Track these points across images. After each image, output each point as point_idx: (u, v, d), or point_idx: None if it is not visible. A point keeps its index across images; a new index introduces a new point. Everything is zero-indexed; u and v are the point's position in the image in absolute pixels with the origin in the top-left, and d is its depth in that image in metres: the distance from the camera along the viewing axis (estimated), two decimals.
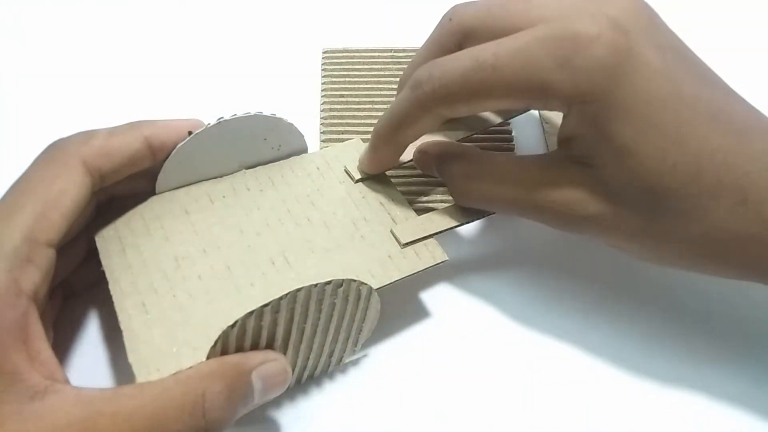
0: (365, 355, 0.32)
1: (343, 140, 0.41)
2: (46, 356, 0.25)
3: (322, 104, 0.43)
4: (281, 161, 0.35)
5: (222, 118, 0.31)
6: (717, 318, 0.34)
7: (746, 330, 0.34)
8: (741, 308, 0.35)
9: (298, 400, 0.31)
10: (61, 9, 0.49)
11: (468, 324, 0.34)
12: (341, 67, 0.46)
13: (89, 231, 0.31)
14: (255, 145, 0.33)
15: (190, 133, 0.31)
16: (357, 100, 0.44)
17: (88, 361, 0.31)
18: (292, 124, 0.34)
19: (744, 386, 0.32)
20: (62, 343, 0.32)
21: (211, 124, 0.31)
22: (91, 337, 0.32)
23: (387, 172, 0.35)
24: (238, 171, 0.34)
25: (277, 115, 0.33)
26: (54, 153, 0.29)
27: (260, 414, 0.30)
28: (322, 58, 0.46)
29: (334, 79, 0.45)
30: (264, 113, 0.32)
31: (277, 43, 0.48)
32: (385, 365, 0.32)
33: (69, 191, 0.28)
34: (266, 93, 0.45)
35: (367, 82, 0.45)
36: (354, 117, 0.43)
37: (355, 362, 0.32)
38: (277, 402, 0.30)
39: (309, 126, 0.42)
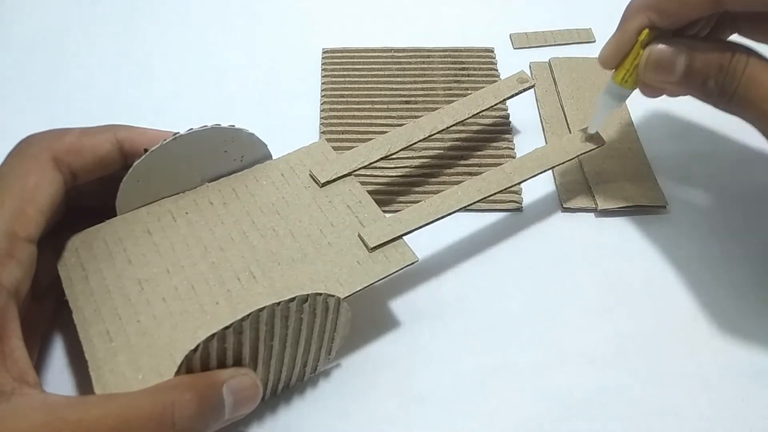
0: (338, 365, 0.32)
1: (342, 139, 0.41)
2: (19, 355, 0.25)
3: (322, 104, 0.43)
4: (245, 171, 0.34)
5: (178, 133, 0.31)
6: (715, 318, 0.35)
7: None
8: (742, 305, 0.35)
9: (267, 417, 0.30)
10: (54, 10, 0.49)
11: (440, 330, 0.34)
12: (341, 67, 0.45)
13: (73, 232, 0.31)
14: (216, 157, 0.33)
15: (146, 150, 0.30)
16: (357, 100, 0.43)
17: (83, 370, 0.31)
18: (252, 134, 0.33)
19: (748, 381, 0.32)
20: (54, 350, 0.31)
21: (167, 140, 0.30)
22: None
23: (355, 173, 0.34)
24: (200, 186, 0.33)
25: (237, 126, 0.32)
26: (23, 148, 0.29)
27: (233, 430, 0.30)
28: (322, 58, 0.46)
29: (334, 79, 0.44)
30: (222, 125, 0.32)
31: (277, 43, 0.47)
32: (357, 375, 0.32)
33: (43, 186, 0.28)
34: (266, 93, 0.44)
35: (367, 82, 0.44)
36: (354, 117, 0.42)
37: (326, 373, 0.32)
38: (249, 419, 0.30)
39: (309, 126, 0.42)
